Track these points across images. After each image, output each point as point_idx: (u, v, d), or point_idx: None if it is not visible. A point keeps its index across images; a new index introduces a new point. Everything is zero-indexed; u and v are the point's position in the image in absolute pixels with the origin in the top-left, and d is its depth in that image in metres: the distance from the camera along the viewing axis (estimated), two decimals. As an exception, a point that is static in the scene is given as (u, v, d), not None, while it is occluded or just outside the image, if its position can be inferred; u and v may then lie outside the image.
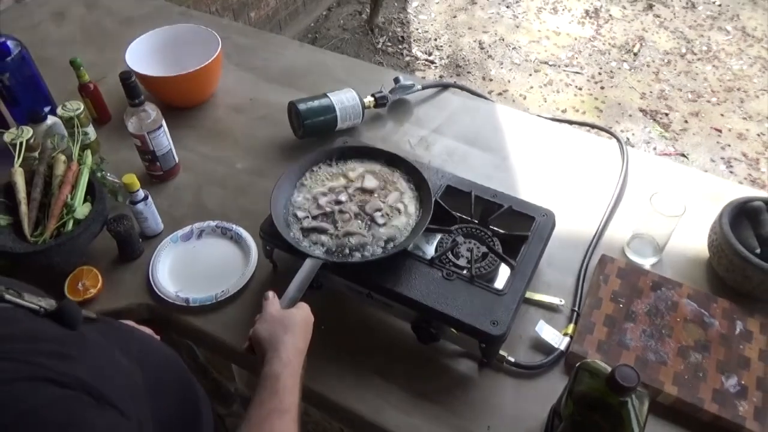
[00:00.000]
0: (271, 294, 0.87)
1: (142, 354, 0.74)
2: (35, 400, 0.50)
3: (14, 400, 0.49)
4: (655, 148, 2.88)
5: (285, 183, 1.07)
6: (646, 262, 1.12)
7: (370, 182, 1.07)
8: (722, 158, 2.83)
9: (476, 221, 1.06)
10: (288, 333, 0.80)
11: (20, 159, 1.13)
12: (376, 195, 1.05)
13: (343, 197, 1.05)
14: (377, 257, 0.96)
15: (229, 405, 1.30)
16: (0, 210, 1.08)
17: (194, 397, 0.85)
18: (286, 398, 0.73)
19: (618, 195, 1.24)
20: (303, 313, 0.85)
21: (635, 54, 3.42)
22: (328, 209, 1.03)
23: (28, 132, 1.19)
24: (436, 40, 3.57)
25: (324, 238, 0.99)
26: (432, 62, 3.42)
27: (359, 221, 1.01)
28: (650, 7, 3.79)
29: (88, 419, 0.53)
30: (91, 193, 1.12)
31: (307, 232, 1.01)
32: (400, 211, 1.03)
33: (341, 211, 1.03)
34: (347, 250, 0.97)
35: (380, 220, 1.01)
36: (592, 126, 1.60)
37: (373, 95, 1.41)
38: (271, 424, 0.71)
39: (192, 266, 1.13)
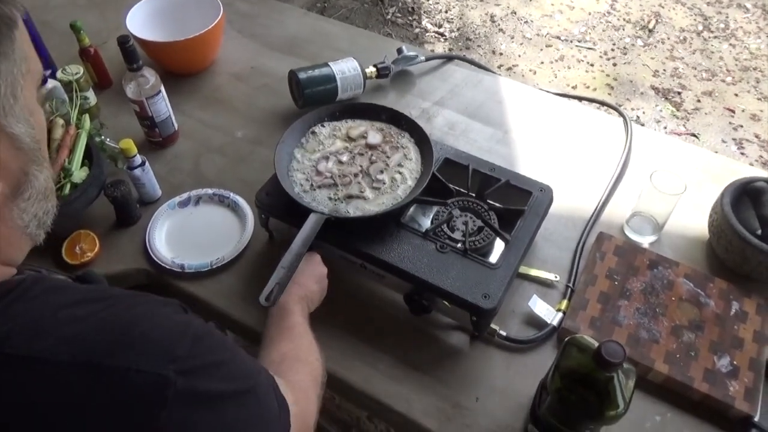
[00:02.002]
0: None
1: None
2: (193, 322, 0.58)
3: (181, 326, 0.55)
4: (665, 128, 2.83)
5: (287, 141, 1.07)
6: (645, 241, 1.11)
7: (374, 138, 1.09)
8: (734, 139, 2.77)
9: (473, 195, 1.05)
10: (294, 283, 0.89)
11: (19, 122, 1.13)
12: (380, 150, 1.07)
13: (344, 157, 1.06)
14: (378, 212, 0.97)
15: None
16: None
17: None
18: (292, 318, 0.85)
19: (620, 172, 1.22)
20: (309, 264, 0.94)
21: (650, 30, 3.34)
22: (327, 175, 1.03)
23: (27, 95, 1.19)
24: (446, 12, 3.50)
25: (325, 199, 1.00)
26: (442, 35, 3.36)
27: (361, 182, 1.02)
28: (668, -18, 3.69)
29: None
30: (89, 158, 1.12)
31: (308, 192, 1.02)
32: (403, 177, 1.04)
33: (342, 175, 1.03)
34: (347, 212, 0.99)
35: (383, 184, 1.02)
36: (597, 101, 1.57)
37: (375, 65, 1.39)
38: (287, 322, 0.85)
39: (188, 233, 1.13)
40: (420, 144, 1.09)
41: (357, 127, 1.12)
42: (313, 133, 1.11)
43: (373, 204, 1.00)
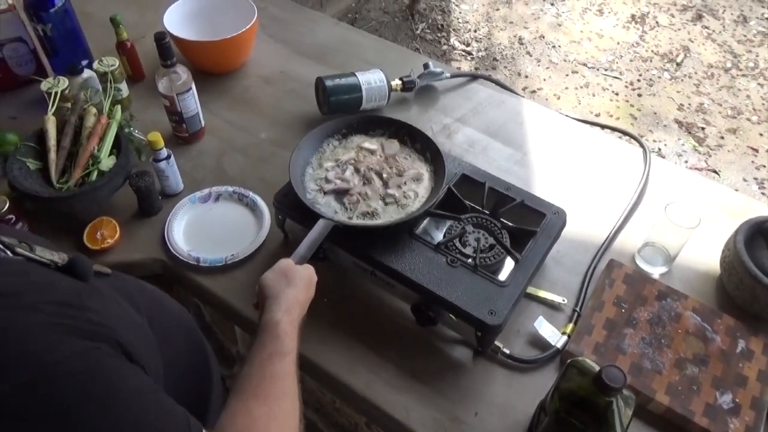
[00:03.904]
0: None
1: (152, 308, 0.76)
2: (59, 352, 0.50)
3: (38, 352, 0.49)
4: (686, 162, 2.82)
5: (304, 147, 1.10)
6: (655, 271, 1.11)
7: (390, 149, 1.12)
8: (755, 179, 2.75)
9: (487, 212, 1.06)
10: (290, 286, 0.83)
11: (54, 108, 1.18)
12: (394, 162, 1.09)
13: (359, 167, 1.08)
14: (384, 224, 0.99)
15: (231, 366, 1.34)
16: (30, 155, 1.12)
17: (203, 353, 0.87)
18: (286, 342, 0.76)
19: (635, 202, 1.23)
20: (307, 271, 0.88)
21: (678, 64, 3.34)
22: (339, 183, 1.05)
23: (64, 82, 1.23)
24: (475, 31, 3.54)
25: (336, 206, 1.03)
26: (469, 53, 3.39)
27: (372, 192, 1.05)
28: (699, 17, 3.69)
29: (115, 370, 0.54)
30: (117, 147, 1.16)
31: (320, 198, 1.05)
32: (416, 192, 1.06)
33: (354, 184, 1.06)
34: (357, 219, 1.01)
35: (394, 196, 1.04)
36: (617, 130, 1.58)
37: (401, 78, 1.42)
38: (272, 365, 0.73)
39: (206, 228, 1.16)
40: (434, 159, 1.11)
41: (372, 139, 1.15)
42: (330, 142, 1.14)
43: (384, 215, 1.02)
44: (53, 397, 0.48)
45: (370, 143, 1.13)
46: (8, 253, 0.58)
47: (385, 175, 1.07)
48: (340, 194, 1.05)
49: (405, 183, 1.07)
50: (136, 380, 0.56)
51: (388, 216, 1.02)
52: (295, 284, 0.84)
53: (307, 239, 0.94)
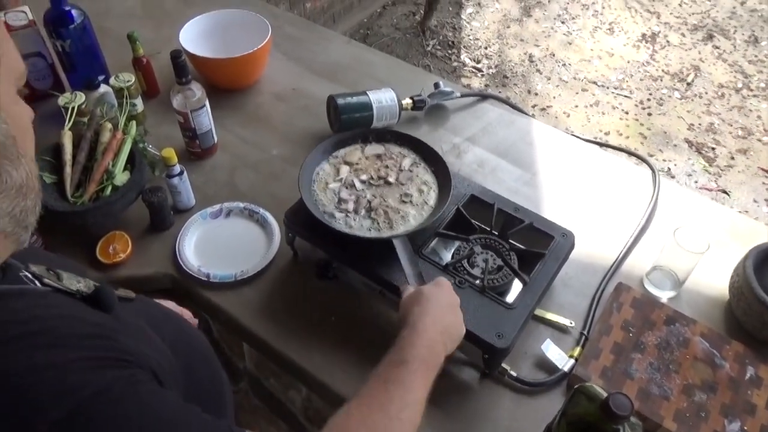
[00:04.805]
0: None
1: (174, 335, 0.76)
2: (94, 386, 0.51)
3: (74, 388, 0.50)
4: (696, 182, 2.81)
5: (309, 164, 1.11)
6: (664, 296, 1.11)
7: (405, 163, 1.13)
8: (766, 200, 2.74)
9: (496, 233, 1.07)
10: (419, 305, 0.80)
11: (70, 122, 1.20)
12: (400, 178, 1.10)
13: (367, 183, 1.10)
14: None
15: (237, 382, 1.34)
16: (46, 168, 1.14)
17: (220, 380, 0.87)
18: (406, 350, 0.73)
19: (644, 224, 1.23)
20: (432, 291, 0.83)
21: (688, 83, 3.34)
22: (347, 198, 1.06)
23: (81, 98, 1.26)
24: (486, 48, 3.56)
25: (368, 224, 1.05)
26: (479, 70, 3.41)
27: (380, 208, 1.06)
28: (710, 37, 3.70)
29: (152, 394, 0.55)
30: (131, 163, 1.18)
31: (352, 217, 1.05)
32: (428, 187, 1.08)
33: (359, 200, 1.07)
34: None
35: (412, 199, 1.07)
36: (627, 152, 1.59)
37: (411, 97, 1.43)
38: (388, 372, 0.72)
39: (217, 243, 1.17)
40: (441, 177, 1.11)
41: (380, 152, 1.16)
42: (336, 157, 1.14)
43: (389, 230, 1.03)
44: (92, 430, 0.50)
45: (378, 160, 1.14)
46: (37, 284, 0.59)
47: (391, 179, 1.09)
48: (367, 210, 1.05)
49: (411, 177, 1.09)
50: (173, 401, 0.57)
51: (413, 219, 1.04)
52: (422, 303, 0.80)
53: (404, 261, 0.94)
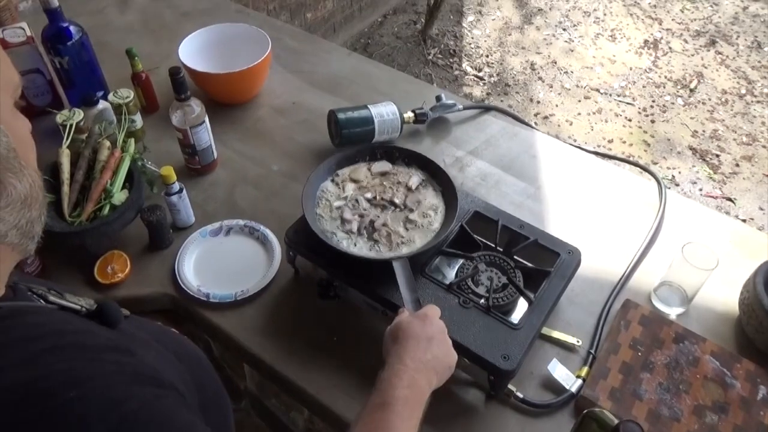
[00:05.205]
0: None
1: (176, 349, 0.75)
2: (136, 400, 0.51)
3: (117, 402, 0.50)
4: (701, 189, 2.79)
5: (313, 182, 1.10)
6: (672, 312, 1.09)
7: (413, 181, 1.11)
8: (772, 207, 2.72)
9: (500, 250, 1.05)
10: (396, 343, 0.79)
11: (68, 140, 1.18)
12: (406, 198, 1.09)
13: (372, 203, 1.08)
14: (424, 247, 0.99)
15: (238, 401, 1.32)
16: (44, 188, 1.13)
17: (222, 395, 0.86)
18: (385, 391, 0.72)
19: (651, 239, 1.21)
20: (411, 325, 0.81)
21: (691, 90, 3.32)
22: (351, 218, 1.05)
23: (79, 114, 1.24)
24: (487, 56, 3.55)
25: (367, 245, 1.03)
26: (481, 78, 3.40)
27: (394, 221, 1.05)
28: (713, 43, 3.68)
29: (187, 416, 0.55)
30: (129, 181, 1.16)
31: (355, 237, 1.04)
32: (435, 211, 1.07)
33: (361, 217, 1.05)
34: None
35: (416, 224, 1.05)
36: (633, 163, 1.57)
37: (413, 111, 1.42)
38: (371, 415, 0.70)
39: (216, 262, 1.15)
40: (448, 196, 1.10)
41: (387, 170, 1.14)
42: (339, 175, 1.13)
43: (412, 242, 1.02)
44: None
45: (384, 179, 1.12)
46: (42, 302, 0.59)
47: (397, 200, 1.07)
48: (368, 231, 1.04)
49: (418, 201, 1.07)
50: (202, 424, 0.57)
51: (419, 240, 1.02)
52: (400, 341, 0.79)
53: (400, 285, 0.92)
